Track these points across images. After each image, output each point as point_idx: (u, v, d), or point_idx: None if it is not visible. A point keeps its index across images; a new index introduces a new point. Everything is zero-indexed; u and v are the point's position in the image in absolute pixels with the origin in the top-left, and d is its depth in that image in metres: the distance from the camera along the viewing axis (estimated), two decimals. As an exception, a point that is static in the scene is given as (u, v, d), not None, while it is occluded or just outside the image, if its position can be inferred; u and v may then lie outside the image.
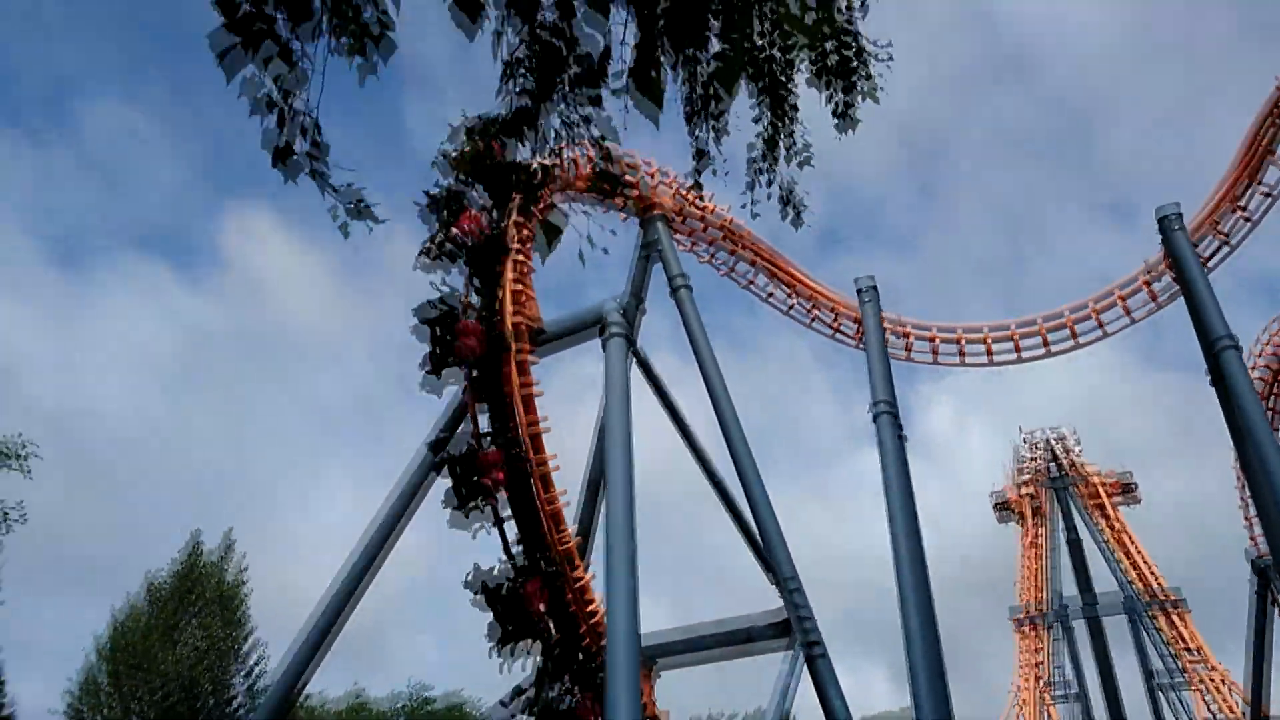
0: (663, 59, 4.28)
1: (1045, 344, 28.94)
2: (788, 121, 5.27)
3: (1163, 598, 58.10)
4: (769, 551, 18.52)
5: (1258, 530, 31.58)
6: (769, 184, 5.60)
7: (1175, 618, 57.49)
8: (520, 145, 4.36)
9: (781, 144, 5.40)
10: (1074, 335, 27.93)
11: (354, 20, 3.75)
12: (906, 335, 28.44)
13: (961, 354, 29.88)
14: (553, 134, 4.39)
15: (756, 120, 5.17)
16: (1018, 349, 28.54)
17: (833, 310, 27.78)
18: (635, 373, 19.78)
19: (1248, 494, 30.94)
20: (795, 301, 27.80)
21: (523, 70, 4.18)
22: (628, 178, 22.03)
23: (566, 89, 4.22)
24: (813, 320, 28.00)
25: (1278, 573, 28.18)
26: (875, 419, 23.69)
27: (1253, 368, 31.39)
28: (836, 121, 5.34)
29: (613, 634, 15.10)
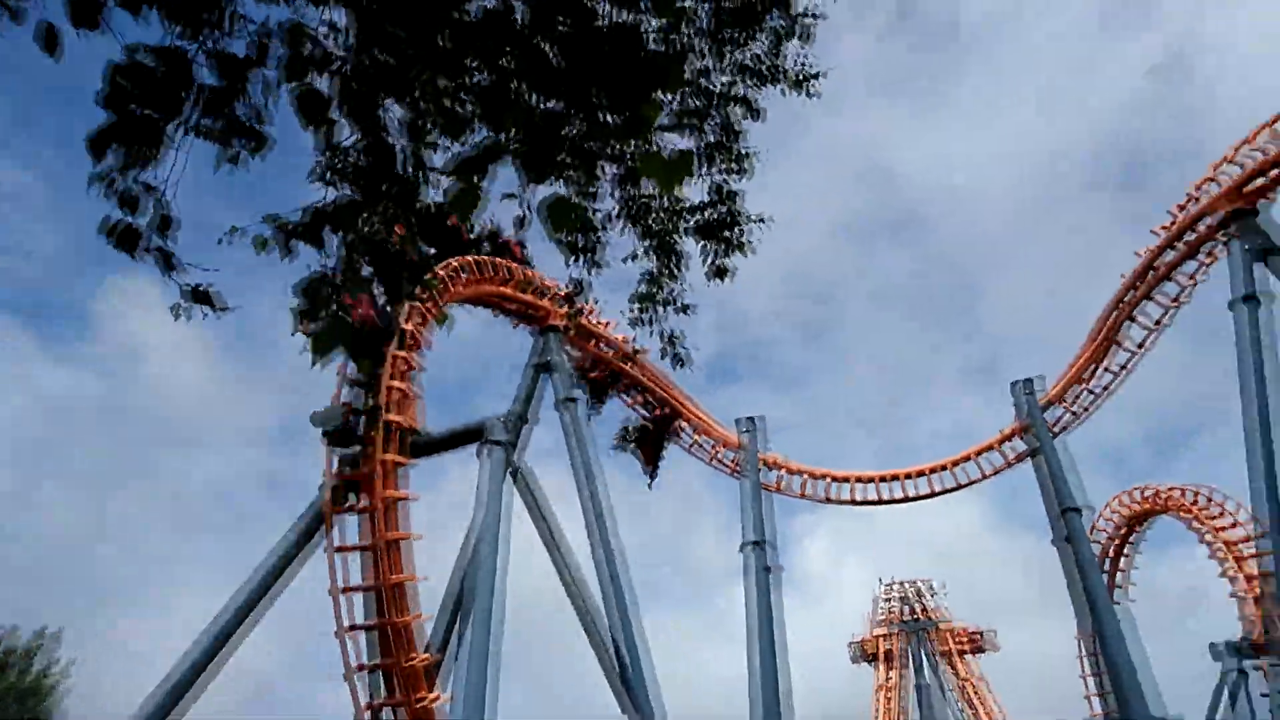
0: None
1: (904, 493, 30.65)
2: (673, 270, 5.45)
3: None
4: (633, 686, 18.08)
5: (1093, 688, 32.99)
6: (650, 322, 5.73)
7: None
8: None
9: (664, 288, 5.56)
10: (931, 487, 29.49)
11: (227, 117, 3.63)
12: (778, 469, 29.27)
13: (827, 494, 31.02)
14: None
15: (632, 257, 5.31)
16: (878, 495, 29.81)
17: (713, 439, 28.34)
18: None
19: (1084, 652, 32.42)
20: (680, 425, 28.25)
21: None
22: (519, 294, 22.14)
23: None
24: (692, 446, 28.46)
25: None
26: (742, 549, 24.03)
27: (1091, 529, 33.52)
28: (708, 272, 5.56)
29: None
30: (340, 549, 17.25)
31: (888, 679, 64.21)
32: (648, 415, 27.71)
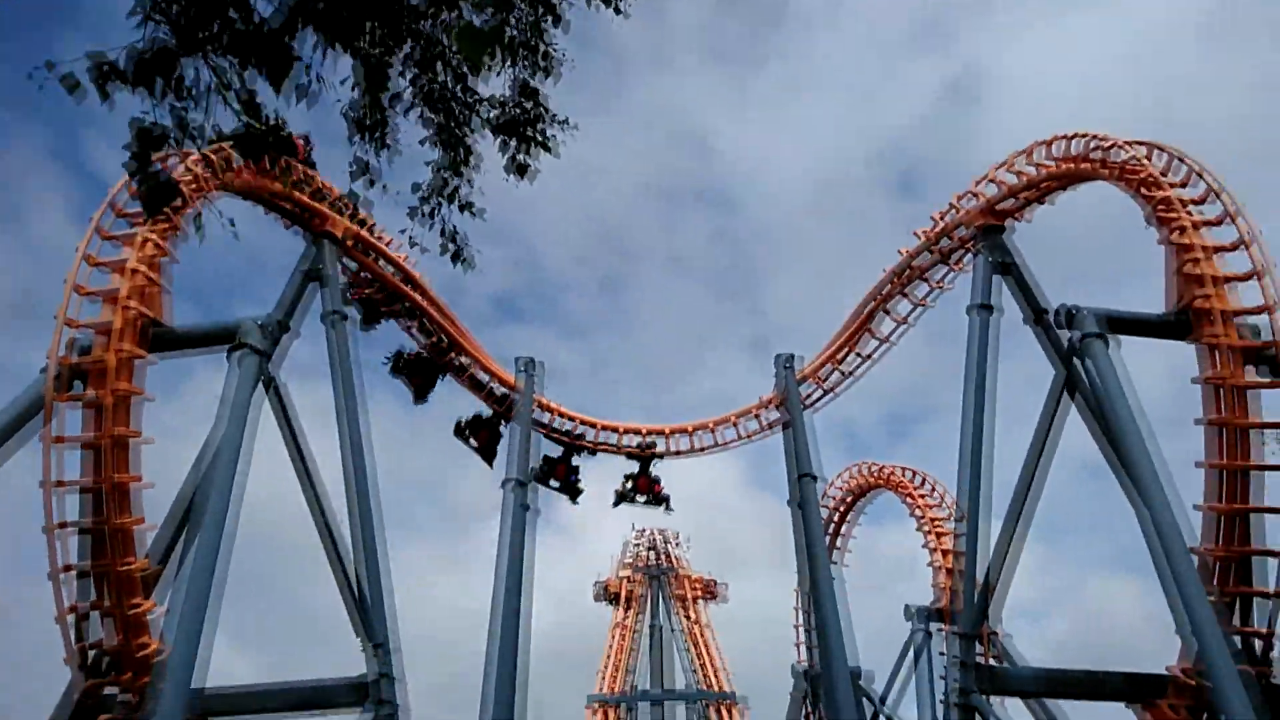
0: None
1: (668, 447, 32.01)
2: (460, 164, 5.26)
3: (725, 692, 64.57)
4: (367, 610, 17.73)
5: (804, 639, 36.34)
6: (432, 214, 5.50)
7: (733, 714, 64.08)
8: (152, 97, 3.72)
9: (449, 183, 5.36)
10: (693, 445, 30.90)
11: None
12: (551, 412, 29.53)
13: (595, 442, 31.79)
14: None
15: (424, 142, 5.09)
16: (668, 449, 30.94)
17: (489, 376, 28.00)
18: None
19: (799, 606, 35.57)
20: (456, 358, 27.63)
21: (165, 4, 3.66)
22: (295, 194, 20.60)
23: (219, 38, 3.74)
24: (466, 380, 27.98)
25: (820, 684, 32.24)
26: (503, 486, 24.12)
27: (823, 496, 36.62)
28: (507, 166, 5.41)
29: (168, 677, 13.50)
30: (59, 440, 15.70)
31: (625, 619, 68.14)
32: (424, 343, 26.91)
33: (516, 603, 21.85)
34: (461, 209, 5.44)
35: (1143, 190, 17.05)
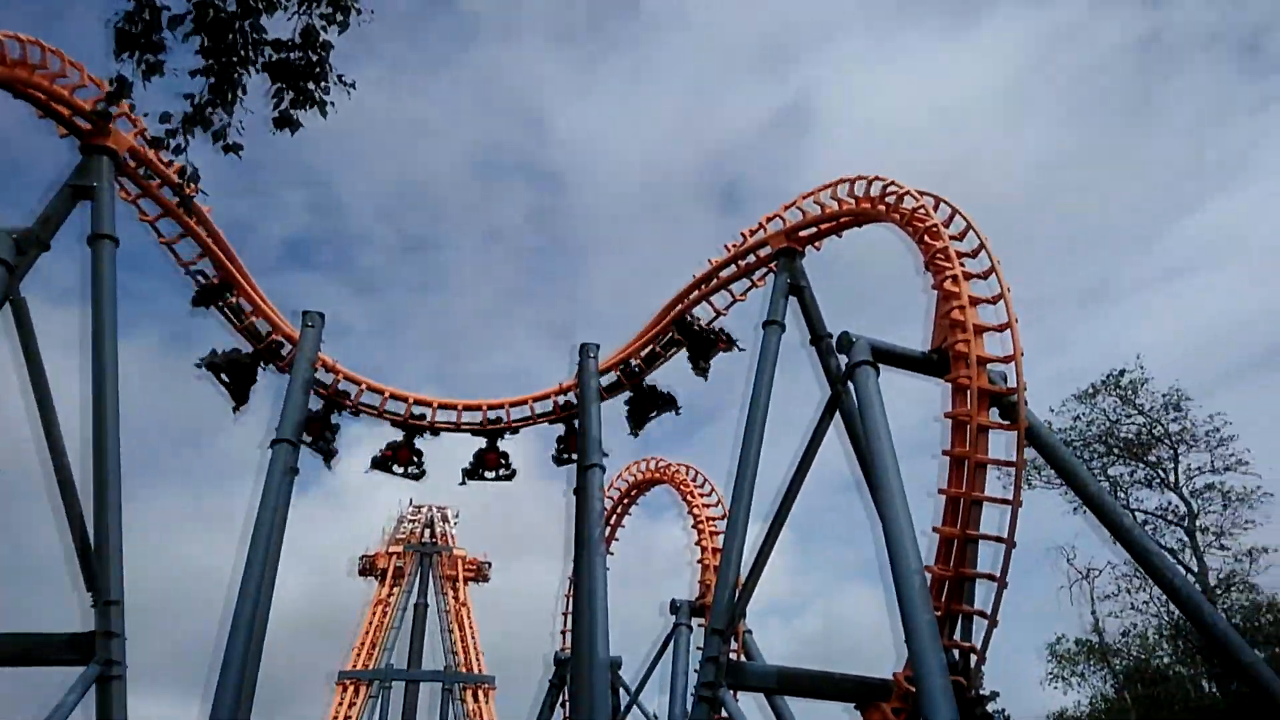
0: None
1: (458, 424, 31.36)
2: (228, 98, 4.87)
3: (480, 675, 64.37)
4: (96, 560, 16.16)
5: (566, 625, 36.80)
6: (177, 151, 5.06)
7: (482, 696, 63.92)
8: None
9: (219, 120, 4.96)
10: (484, 424, 30.44)
11: None
12: (334, 373, 28.15)
13: (381, 409, 30.62)
14: None
15: (195, 74, 4.68)
16: (432, 419, 30.02)
17: (269, 326, 26.31)
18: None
19: (565, 593, 36.01)
20: (236, 301, 25.74)
21: None
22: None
23: None
24: (244, 328, 26.14)
25: (573, 670, 32.69)
26: (273, 445, 22.73)
27: (608, 486, 37.24)
28: (275, 116, 5.09)
29: None
30: None
31: (388, 595, 66.36)
32: (202, 281, 24.90)
33: (265, 569, 20.70)
34: (226, 150, 5.00)
35: (925, 239, 18.48)
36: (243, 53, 4.64)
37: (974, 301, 17.39)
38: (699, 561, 34.00)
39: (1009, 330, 17.09)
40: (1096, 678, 28.22)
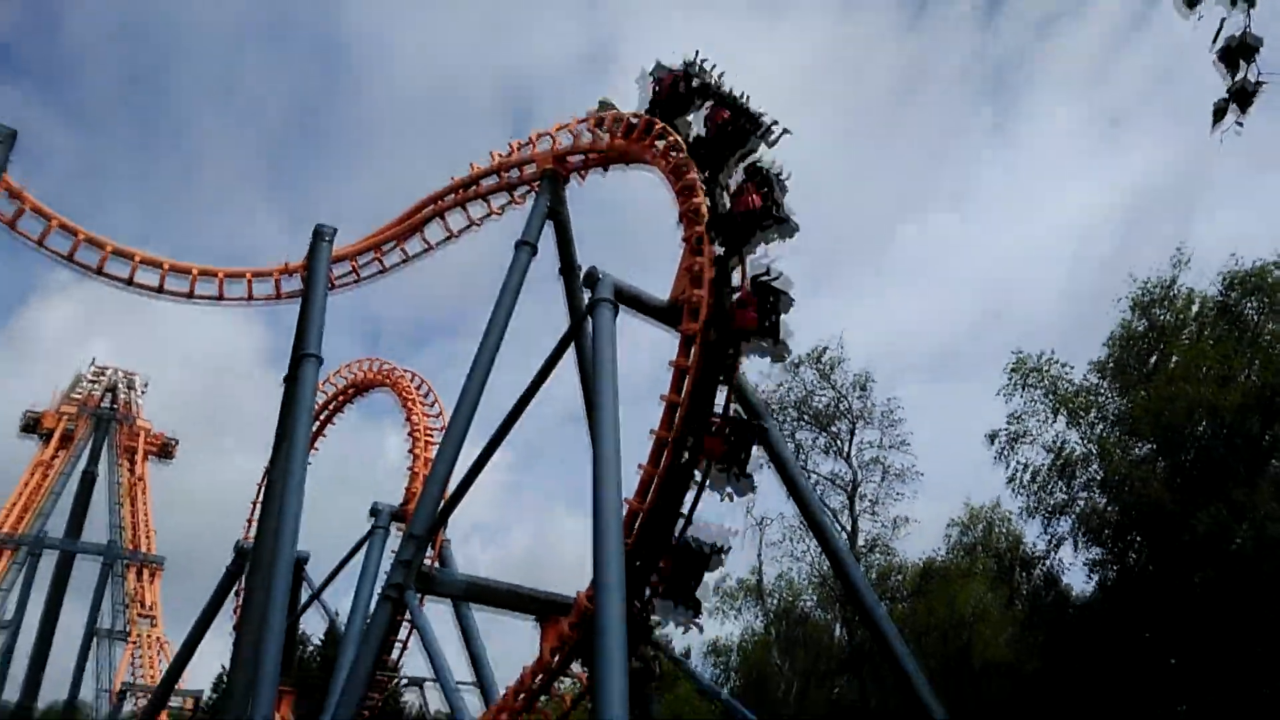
0: None
1: (161, 286, 28.58)
2: None
3: (148, 554, 59.91)
4: None
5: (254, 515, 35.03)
6: None
7: (147, 576, 59.59)
8: None
9: None
10: (191, 291, 28.04)
11: None
12: (20, 201, 24.49)
13: (71, 253, 27.15)
14: None
15: None
16: (129, 276, 27.21)
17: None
18: None
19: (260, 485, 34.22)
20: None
21: None
22: None
23: None
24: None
25: (252, 560, 31.20)
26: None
27: (324, 381, 35.62)
28: None
29: None
30: None
31: (53, 457, 59.75)
32: None
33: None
34: None
35: (683, 191, 19.05)
36: None
37: (714, 259, 18.24)
38: (410, 468, 33.61)
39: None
40: (750, 614, 31.59)
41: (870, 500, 30.44)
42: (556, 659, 18.25)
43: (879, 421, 31.25)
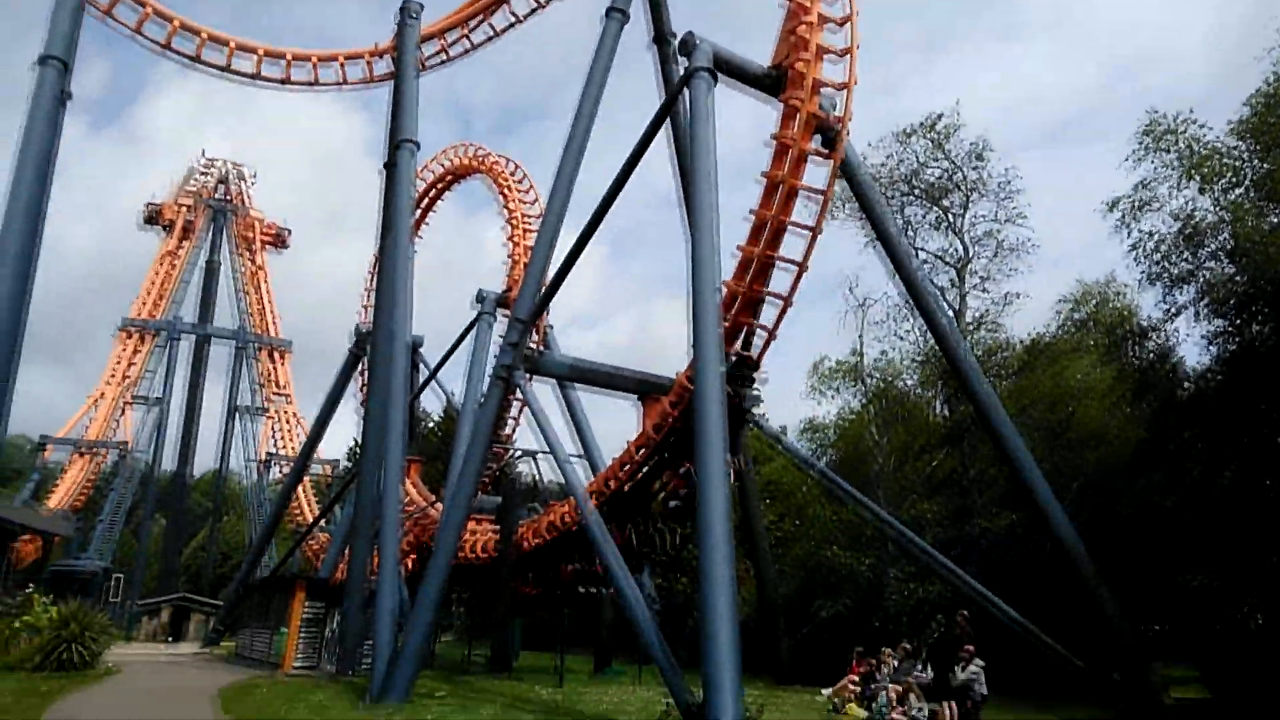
0: None
1: (257, 73, 28.44)
2: None
3: (275, 339, 63.97)
4: None
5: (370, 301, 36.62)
6: None
7: (278, 357, 63.93)
8: None
9: None
10: (287, 77, 27.83)
11: None
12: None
13: (168, 41, 27.05)
14: None
15: None
16: (227, 62, 27.12)
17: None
18: None
19: (372, 269, 35.45)
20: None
21: None
22: None
23: None
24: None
25: (372, 342, 32.94)
26: (40, 64, 19.77)
27: (422, 168, 35.71)
28: None
29: None
30: None
31: (178, 248, 62.96)
32: None
33: (37, 203, 18.80)
34: None
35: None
36: None
37: (822, 21, 16.88)
38: (510, 257, 34.06)
39: (849, 56, 16.90)
40: (849, 394, 31.79)
41: (980, 276, 29.43)
42: (659, 434, 19.01)
43: (995, 193, 29.57)
